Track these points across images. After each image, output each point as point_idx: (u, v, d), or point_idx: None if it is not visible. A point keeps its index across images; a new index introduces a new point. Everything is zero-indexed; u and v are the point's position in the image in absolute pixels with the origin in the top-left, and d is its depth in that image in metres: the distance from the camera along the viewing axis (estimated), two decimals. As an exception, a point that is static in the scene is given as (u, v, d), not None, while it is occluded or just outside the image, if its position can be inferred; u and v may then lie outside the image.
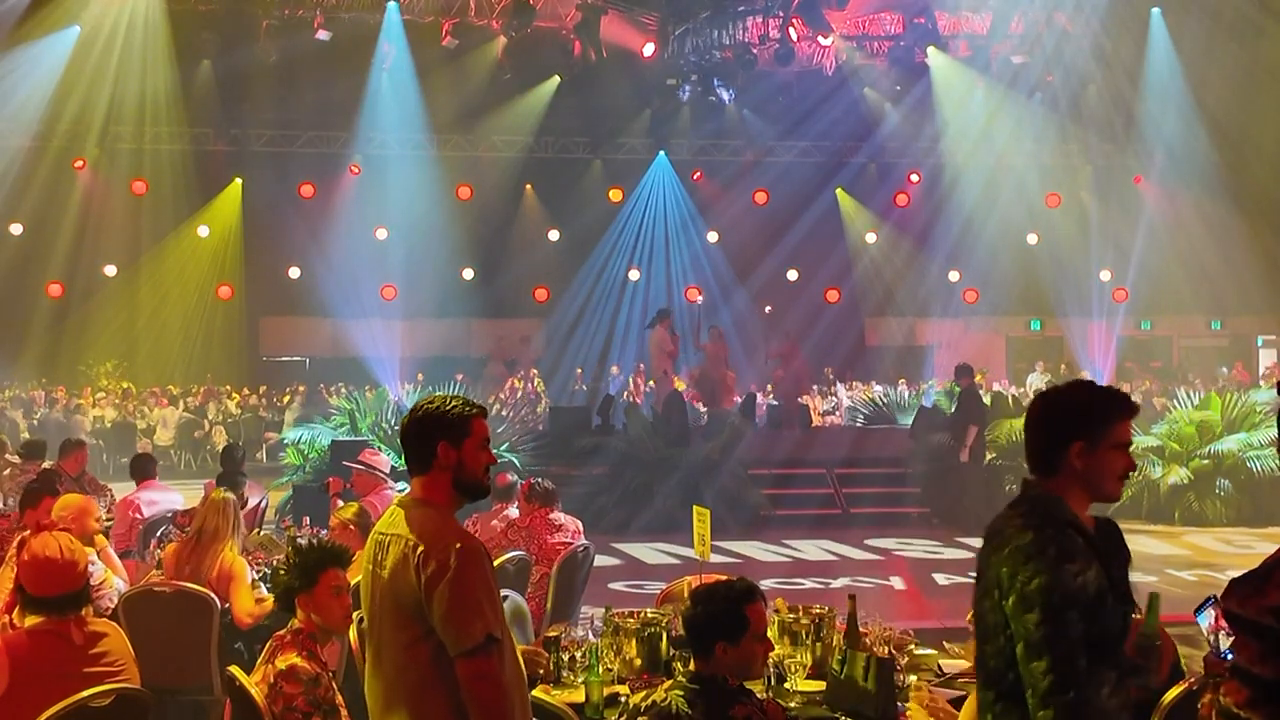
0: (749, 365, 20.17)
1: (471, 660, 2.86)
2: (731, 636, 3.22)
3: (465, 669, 2.86)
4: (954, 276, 22.78)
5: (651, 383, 18.26)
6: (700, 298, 20.88)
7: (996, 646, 2.63)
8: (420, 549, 2.91)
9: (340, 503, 7.05)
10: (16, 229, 20.19)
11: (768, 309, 18.75)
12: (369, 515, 6.41)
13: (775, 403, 17.54)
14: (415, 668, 2.94)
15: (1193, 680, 3.67)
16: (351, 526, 6.17)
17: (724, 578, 3.62)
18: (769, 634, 4.14)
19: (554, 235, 22.99)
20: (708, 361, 16.93)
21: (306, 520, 7.65)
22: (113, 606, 5.49)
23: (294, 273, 21.44)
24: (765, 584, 9.90)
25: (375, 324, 20.01)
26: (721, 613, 3.25)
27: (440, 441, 3.02)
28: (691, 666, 3.33)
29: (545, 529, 6.84)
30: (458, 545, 2.93)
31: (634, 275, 23.10)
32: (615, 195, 22.98)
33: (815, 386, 20.09)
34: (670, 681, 3.40)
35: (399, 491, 8.02)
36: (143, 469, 8.29)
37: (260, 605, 5.70)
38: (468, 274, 22.53)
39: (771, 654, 4.03)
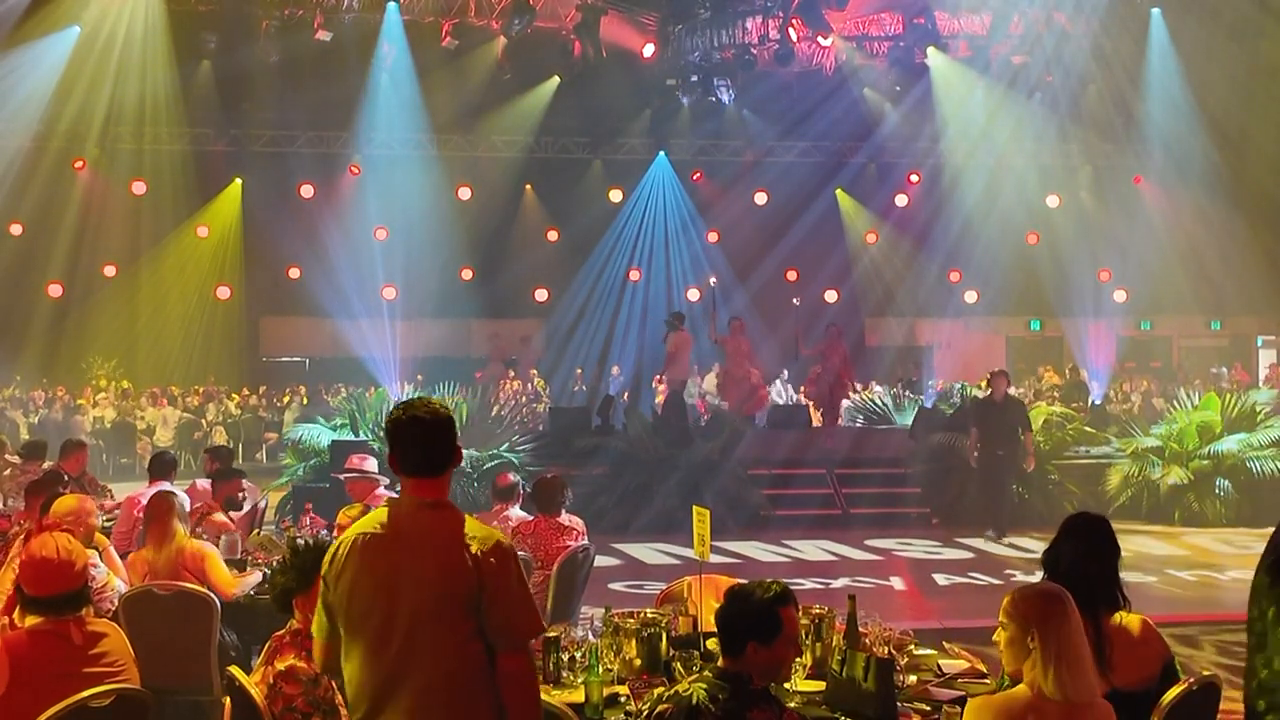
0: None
1: (520, 655, 2.95)
2: (764, 637, 3.22)
3: (516, 664, 2.94)
4: (954, 277, 22.78)
5: (659, 385, 17.96)
6: (715, 282, 19.86)
7: (1265, 657, 2.51)
8: (474, 548, 2.94)
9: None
10: (16, 229, 20.20)
11: (796, 300, 18.09)
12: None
13: (805, 401, 17.10)
14: (467, 668, 2.94)
15: (1191, 681, 3.67)
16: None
17: (726, 578, 3.62)
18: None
19: (554, 235, 22.99)
20: (729, 359, 16.00)
21: (309, 507, 7.62)
22: (114, 609, 5.49)
23: (294, 273, 21.44)
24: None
25: (375, 324, 20.02)
26: (757, 613, 3.24)
27: (458, 446, 3.08)
28: (719, 663, 3.32)
29: (552, 535, 6.78)
30: (507, 544, 3.03)
31: (634, 275, 23.11)
32: (615, 195, 23.00)
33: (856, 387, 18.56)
34: (695, 674, 3.41)
35: (388, 486, 7.97)
36: (161, 468, 8.31)
37: (239, 576, 5.98)
38: (467, 274, 22.53)
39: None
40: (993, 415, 12.50)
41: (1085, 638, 3.16)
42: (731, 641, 3.25)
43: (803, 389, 17.78)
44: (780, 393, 19.98)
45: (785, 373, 20.42)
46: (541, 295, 23.26)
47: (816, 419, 16.21)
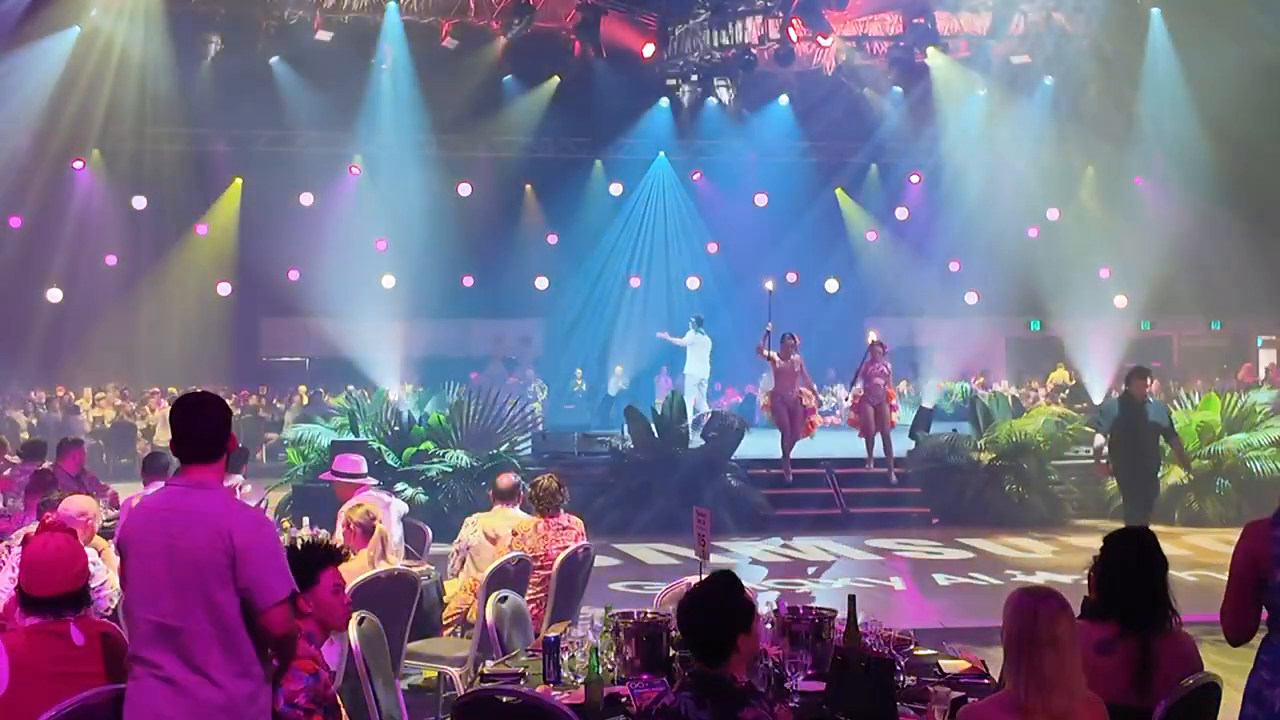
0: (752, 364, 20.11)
1: (270, 611, 3.41)
2: (747, 624, 3.25)
3: (267, 619, 3.42)
4: (954, 276, 22.77)
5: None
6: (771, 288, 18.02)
7: None
8: (227, 523, 3.45)
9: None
10: (16, 228, 20.17)
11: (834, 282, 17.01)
12: (374, 514, 6.47)
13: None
14: (226, 618, 3.42)
15: (1191, 681, 3.66)
16: (357, 525, 6.26)
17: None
18: (768, 635, 4.16)
19: (554, 236, 22.99)
20: (778, 379, 13.80)
21: (305, 521, 7.63)
22: (113, 606, 5.49)
23: (294, 273, 21.43)
24: (765, 584, 9.93)
25: (375, 324, 19.99)
26: (738, 603, 3.27)
27: (232, 433, 3.64)
28: (699, 671, 3.28)
29: (552, 535, 6.75)
30: (261, 519, 3.60)
31: (634, 277, 23.11)
32: (615, 195, 23.00)
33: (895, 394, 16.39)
34: (678, 684, 3.38)
35: (377, 487, 7.95)
36: (155, 469, 8.32)
37: None
38: (468, 275, 22.52)
39: (771, 654, 4.04)
40: (1135, 418, 10.38)
41: (1062, 644, 3.05)
42: (723, 642, 3.22)
43: (850, 413, 15.66)
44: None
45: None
46: (542, 294, 23.26)
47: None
